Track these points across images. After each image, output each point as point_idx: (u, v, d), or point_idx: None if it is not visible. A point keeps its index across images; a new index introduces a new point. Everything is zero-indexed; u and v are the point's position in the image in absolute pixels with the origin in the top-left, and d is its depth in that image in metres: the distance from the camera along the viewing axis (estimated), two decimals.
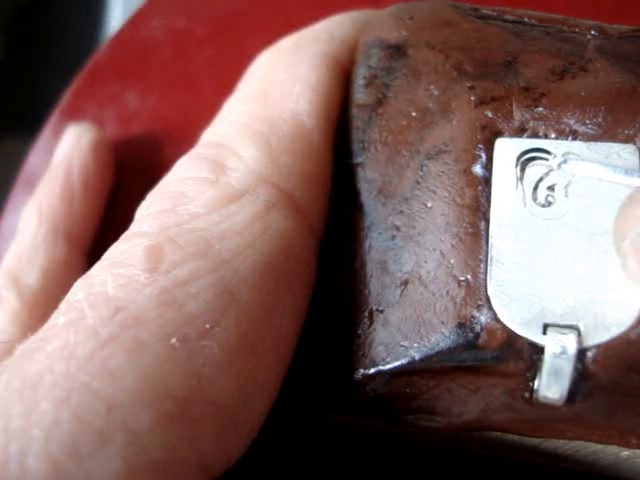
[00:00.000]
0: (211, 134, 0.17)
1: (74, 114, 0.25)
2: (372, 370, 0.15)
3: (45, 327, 0.13)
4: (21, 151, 0.27)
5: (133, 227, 0.15)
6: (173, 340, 0.13)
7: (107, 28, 0.46)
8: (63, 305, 0.14)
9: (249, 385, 0.14)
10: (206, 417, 0.13)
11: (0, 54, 0.48)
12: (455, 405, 0.15)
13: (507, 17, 0.16)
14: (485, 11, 0.16)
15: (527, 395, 0.14)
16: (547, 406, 0.14)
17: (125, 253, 0.14)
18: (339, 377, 0.15)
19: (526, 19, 0.16)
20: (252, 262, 0.14)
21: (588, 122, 0.15)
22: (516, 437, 0.15)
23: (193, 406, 0.12)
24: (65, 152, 0.23)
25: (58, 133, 0.24)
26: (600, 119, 0.15)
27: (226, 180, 0.15)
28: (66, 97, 0.25)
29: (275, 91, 0.17)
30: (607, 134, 0.15)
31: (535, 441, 0.15)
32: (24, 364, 0.12)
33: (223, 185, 0.15)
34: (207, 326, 0.13)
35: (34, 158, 0.26)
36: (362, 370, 0.15)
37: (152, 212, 0.15)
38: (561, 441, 0.15)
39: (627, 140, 0.15)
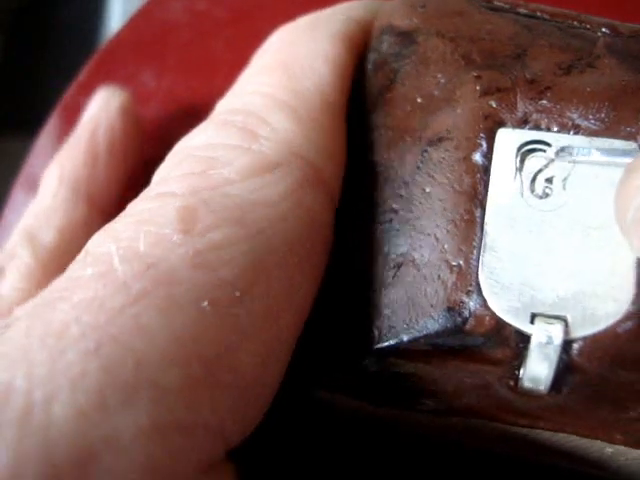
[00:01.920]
0: (233, 102, 0.17)
1: (87, 94, 0.24)
2: (361, 350, 0.15)
3: (66, 277, 0.13)
4: (21, 151, 0.27)
5: (158, 187, 0.15)
6: (204, 303, 0.12)
7: (107, 28, 0.46)
8: (88, 257, 0.13)
9: (269, 356, 0.14)
10: (228, 384, 0.13)
11: (0, 54, 0.48)
12: (443, 389, 0.15)
13: (520, 10, 0.16)
14: (498, 3, 0.16)
15: (512, 383, 0.14)
16: (531, 395, 0.14)
17: (154, 212, 0.14)
18: (331, 356, 0.16)
19: (538, 13, 0.16)
20: (283, 236, 0.14)
21: (591, 117, 0.15)
22: (501, 426, 0.15)
23: (218, 371, 0.12)
24: (92, 113, 0.22)
25: (58, 132, 0.24)
26: (603, 115, 0.15)
27: (259, 148, 0.15)
28: (81, 76, 0.25)
29: (296, 64, 0.17)
30: (609, 130, 0.15)
31: (522, 431, 0.15)
32: (47, 312, 0.12)
33: (257, 153, 0.15)
34: (237, 294, 0.13)
35: (34, 158, 0.26)
36: (352, 350, 0.15)
37: (179, 174, 0.15)
38: (547, 433, 0.15)
39: (629, 137, 0.15)
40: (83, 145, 0.21)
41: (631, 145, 0.14)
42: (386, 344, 0.15)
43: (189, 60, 0.24)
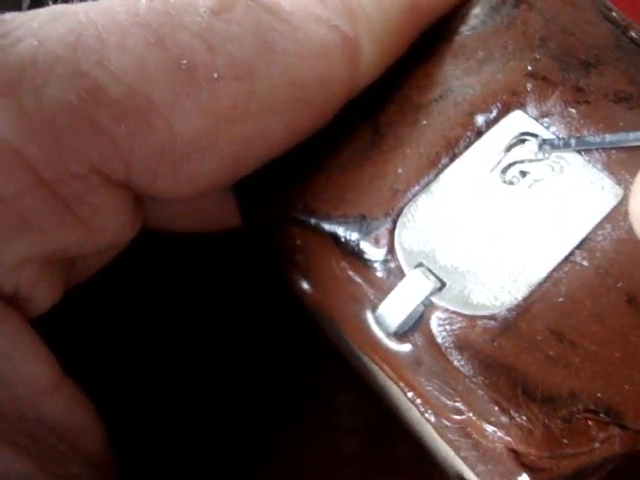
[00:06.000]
0: None
1: None
2: (282, 209, 0.17)
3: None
4: None
5: None
6: (184, 61, 0.14)
7: None
8: None
9: (208, 148, 0.15)
10: (156, 138, 0.14)
11: None
12: (323, 281, 0.16)
13: (630, 32, 0.16)
14: (615, 15, 0.16)
15: (375, 311, 0.15)
16: (383, 330, 0.15)
17: None
18: (264, 198, 0.17)
19: None
20: (289, 74, 0.15)
21: None
22: (361, 355, 0.16)
23: (154, 120, 0.14)
24: None
25: None
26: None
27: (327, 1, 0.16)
28: None
29: None
30: (608, 164, 0.15)
31: (377, 374, 0.16)
32: (70, 7, 0.14)
33: (319, 3, 0.16)
34: (215, 75, 0.14)
35: None
36: (278, 204, 0.17)
37: None
38: (395, 389, 0.16)
39: (619, 182, 0.15)
40: None
41: (617, 190, 0.14)
42: (300, 217, 0.16)
43: None
